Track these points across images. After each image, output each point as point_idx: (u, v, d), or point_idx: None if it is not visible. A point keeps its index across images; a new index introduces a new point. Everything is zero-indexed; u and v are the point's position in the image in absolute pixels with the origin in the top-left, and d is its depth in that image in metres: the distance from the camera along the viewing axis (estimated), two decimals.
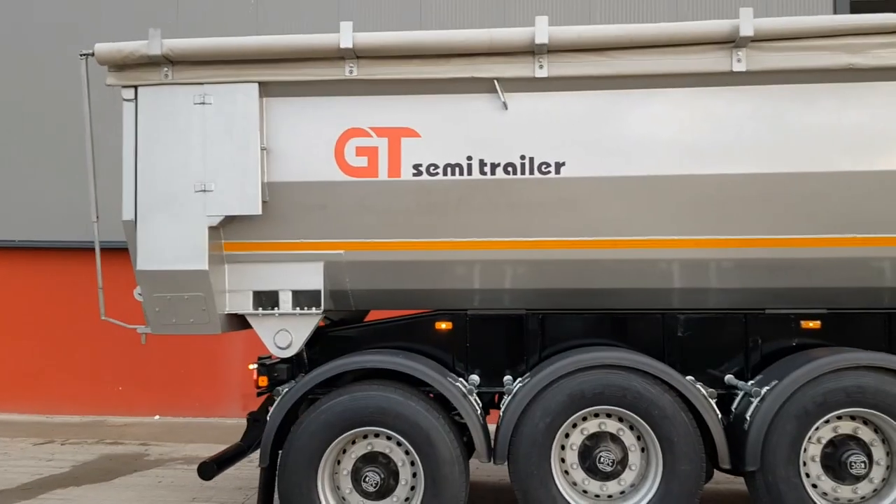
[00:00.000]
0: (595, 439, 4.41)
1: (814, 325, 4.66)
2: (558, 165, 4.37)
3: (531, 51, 4.27)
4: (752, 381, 4.46)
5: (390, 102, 4.45)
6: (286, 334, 4.66)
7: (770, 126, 4.28)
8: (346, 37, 4.26)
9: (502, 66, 4.32)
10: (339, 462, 4.48)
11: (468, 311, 4.80)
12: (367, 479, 4.38)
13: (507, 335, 4.82)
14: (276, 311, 4.63)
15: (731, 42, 4.18)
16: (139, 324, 4.81)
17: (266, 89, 4.44)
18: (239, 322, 4.76)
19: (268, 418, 4.49)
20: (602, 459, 4.31)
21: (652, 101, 4.33)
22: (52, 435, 8.36)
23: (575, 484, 4.38)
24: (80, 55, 4.54)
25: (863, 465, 4.21)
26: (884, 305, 4.54)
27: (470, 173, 4.41)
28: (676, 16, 9.02)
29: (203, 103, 4.45)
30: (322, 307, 4.61)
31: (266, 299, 4.65)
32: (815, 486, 4.26)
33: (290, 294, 4.63)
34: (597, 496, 4.39)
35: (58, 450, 7.72)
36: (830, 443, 4.30)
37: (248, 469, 6.62)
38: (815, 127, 4.26)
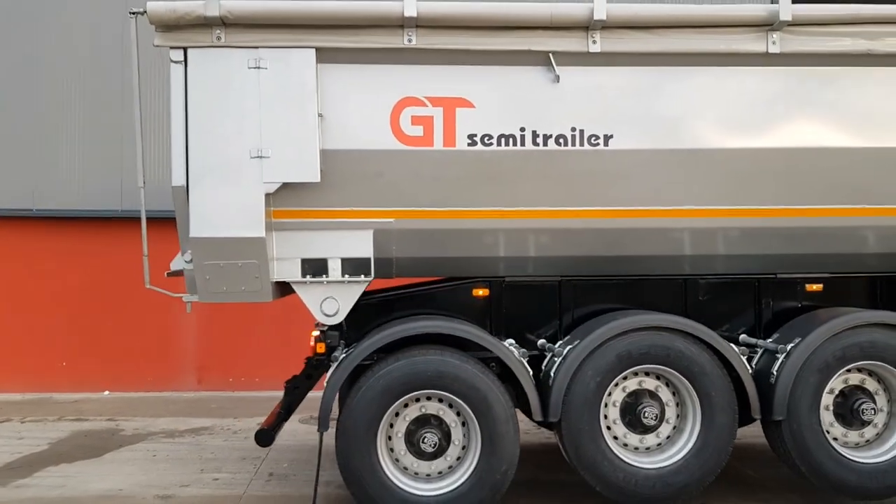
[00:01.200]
0: (634, 396, 4.71)
1: (817, 287, 5.13)
2: (607, 138, 4.59)
3: (586, 26, 4.46)
4: (770, 340, 4.86)
5: (446, 72, 4.54)
6: (333, 302, 4.69)
7: (798, 104, 4.66)
8: (409, 5, 4.31)
9: (557, 40, 4.49)
10: (391, 425, 4.57)
11: (506, 279, 4.97)
12: (424, 440, 4.50)
13: (541, 302, 5.02)
14: (324, 278, 4.64)
15: (769, 25, 4.51)
16: (179, 292, 4.71)
17: (322, 55, 4.42)
18: (279, 290, 4.74)
19: (325, 384, 4.52)
20: (646, 414, 4.61)
21: (694, 78, 4.62)
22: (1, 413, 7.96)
23: (616, 438, 4.67)
24: (131, 13, 4.36)
25: (872, 412, 4.71)
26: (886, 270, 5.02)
27: (523, 144, 4.57)
28: None
29: (258, 68, 4.39)
30: (372, 275, 4.66)
31: (313, 267, 4.65)
32: (828, 431, 4.72)
33: (339, 262, 4.65)
34: (636, 448, 4.70)
35: (22, 428, 7.36)
36: (841, 393, 4.77)
37: (248, 441, 6.64)
38: (836, 106, 4.67)
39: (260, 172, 4.39)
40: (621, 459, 4.58)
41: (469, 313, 4.98)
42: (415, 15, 4.31)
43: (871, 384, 4.81)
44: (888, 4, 4.58)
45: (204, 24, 4.32)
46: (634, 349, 4.57)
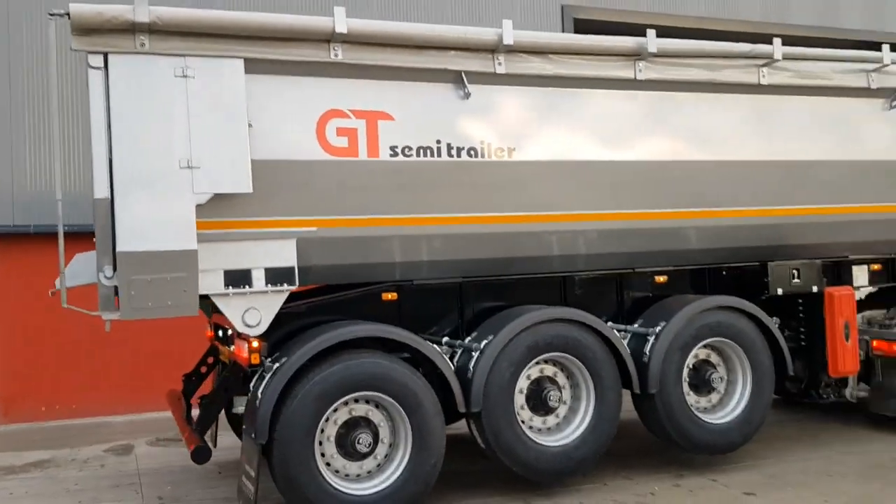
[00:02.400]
0: (537, 383, 5.23)
1: (663, 279, 6.01)
2: (510, 150, 5.07)
3: (493, 49, 4.90)
4: (637, 325, 5.63)
5: (369, 86, 4.75)
6: (256, 312, 4.67)
7: (658, 123, 5.47)
8: (340, 22, 4.47)
9: (469, 60, 4.88)
10: (322, 430, 4.68)
11: (414, 282, 5.25)
12: (358, 440, 4.66)
13: (445, 302, 5.37)
14: (247, 289, 4.62)
15: (638, 55, 5.26)
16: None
17: (251, 66, 4.43)
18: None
19: (259, 394, 4.51)
20: (550, 398, 5.16)
21: (581, 99, 5.25)
22: None
23: (523, 422, 5.16)
24: (50, 15, 4.04)
25: (719, 380, 5.65)
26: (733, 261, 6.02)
27: (439, 155, 4.91)
28: None
29: (185, 76, 4.29)
30: (296, 283, 4.73)
31: (235, 278, 4.61)
32: (686, 399, 5.58)
33: (262, 272, 4.65)
34: (539, 430, 5.23)
35: None
36: (694, 367, 5.67)
37: (106, 469, 6.27)
38: (686, 125, 5.55)
39: (190, 183, 4.29)
40: (533, 441, 5.08)
41: (379, 317, 5.18)
42: (345, 31, 4.47)
43: (714, 358, 5.76)
44: (733, 42, 5.54)
45: (127, 29, 4.15)
46: (541, 340, 5.09)
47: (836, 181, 6.13)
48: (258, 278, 4.64)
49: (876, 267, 6.64)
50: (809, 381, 6.44)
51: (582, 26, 10.78)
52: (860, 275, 6.56)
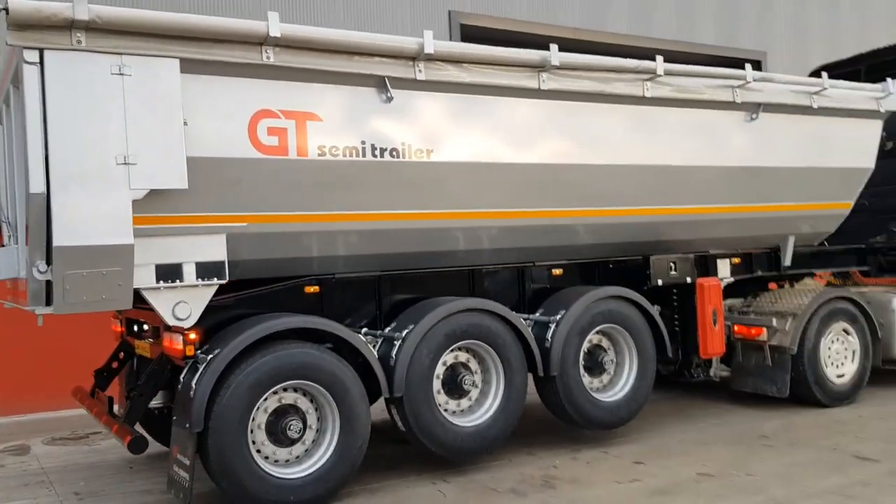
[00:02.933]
0: (452, 369, 5.62)
1: (559, 272, 6.55)
2: (429, 152, 5.42)
3: (414, 57, 5.23)
4: (539, 314, 6.13)
5: (298, 88, 4.95)
6: (185, 306, 4.79)
7: (557, 129, 5.98)
8: (274, 26, 4.67)
9: (392, 66, 5.19)
10: (253, 419, 4.86)
11: (335, 276, 5.52)
12: (290, 427, 4.88)
13: (363, 295, 5.66)
14: (178, 283, 4.74)
15: (542, 67, 5.73)
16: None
17: (186, 66, 4.55)
18: None
19: (193, 385, 4.63)
20: (465, 382, 5.57)
21: (492, 105, 5.66)
22: None
23: (440, 405, 5.53)
24: None
25: (610, 363, 6.25)
26: (619, 255, 6.63)
27: (364, 155, 5.19)
28: None
29: (121, 74, 4.36)
30: (227, 278, 4.88)
31: (167, 272, 4.72)
32: (583, 380, 6.13)
33: (193, 266, 4.78)
34: (454, 412, 5.62)
35: None
36: (588, 351, 6.22)
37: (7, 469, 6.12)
38: (582, 131, 6.08)
39: (127, 179, 4.37)
40: (451, 423, 5.47)
41: (302, 309, 5.40)
42: (279, 35, 4.67)
43: (605, 343, 6.36)
44: (610, 57, 6.13)
45: (64, 26, 4.18)
46: (458, 328, 5.49)
47: (705, 184, 6.87)
48: (189, 272, 4.76)
49: (736, 260, 7.48)
50: (682, 362, 7.17)
51: (468, 32, 11.29)
52: (723, 267, 7.37)
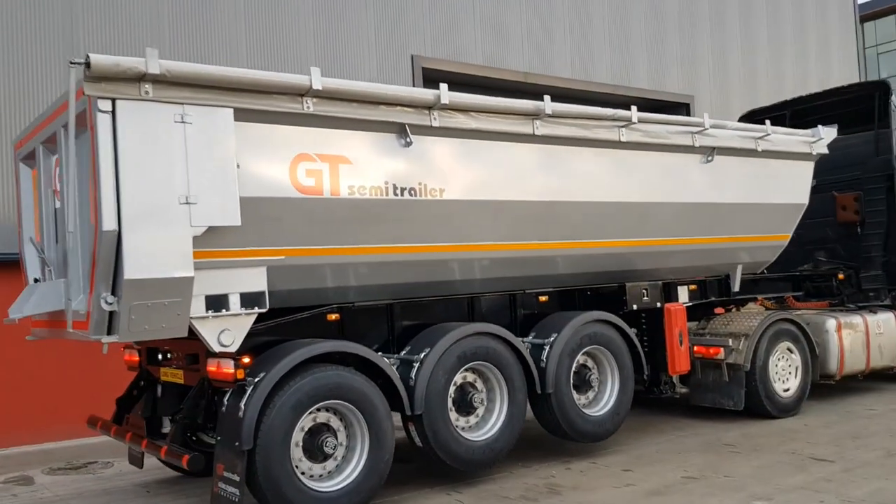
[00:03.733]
0: (461, 389, 6.15)
1: (545, 298, 7.20)
2: (441, 191, 6.00)
3: (430, 106, 5.82)
4: (532, 336, 6.73)
5: (332, 134, 5.47)
6: (229, 333, 5.20)
7: (548, 171, 6.64)
8: (316, 80, 5.19)
9: (411, 115, 5.76)
10: (293, 436, 5.27)
11: (354, 304, 6.00)
12: (326, 443, 5.31)
13: (376, 321, 6.16)
14: (223, 312, 5.14)
15: (536, 115, 6.41)
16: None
17: (238, 114, 5.01)
18: None
19: (242, 406, 5.02)
20: (474, 400, 6.11)
21: (494, 149, 6.28)
22: None
23: (452, 421, 6.05)
24: (71, 63, 4.38)
25: (597, 381, 6.90)
26: (598, 283, 7.32)
27: (387, 194, 5.73)
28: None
29: (183, 122, 4.79)
30: (267, 306, 5.31)
31: (215, 302, 5.12)
32: (574, 396, 6.74)
33: (238, 296, 5.19)
34: (464, 428, 6.14)
35: None
36: (577, 370, 6.84)
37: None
38: (568, 172, 6.77)
39: (188, 217, 4.78)
40: (464, 437, 5.99)
41: (326, 335, 5.85)
42: (320, 88, 5.19)
43: (590, 363, 7.01)
44: (602, 107, 6.87)
45: (134, 78, 4.60)
46: (468, 350, 6.04)
47: (669, 219, 7.65)
48: (234, 302, 5.17)
49: (693, 287, 8.30)
50: (651, 380, 7.89)
51: (429, 74, 11.97)
52: (682, 294, 8.17)
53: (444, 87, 5.83)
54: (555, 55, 13.67)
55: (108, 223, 4.54)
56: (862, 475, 5.91)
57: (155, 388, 6.29)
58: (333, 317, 5.93)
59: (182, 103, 4.79)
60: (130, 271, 4.58)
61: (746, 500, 5.43)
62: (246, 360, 5.12)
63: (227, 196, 4.92)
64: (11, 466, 7.66)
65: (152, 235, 4.66)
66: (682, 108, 15.40)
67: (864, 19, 33.74)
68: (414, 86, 11.66)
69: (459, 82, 11.67)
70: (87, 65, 4.41)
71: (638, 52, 14.90)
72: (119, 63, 4.49)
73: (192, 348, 5.62)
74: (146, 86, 4.66)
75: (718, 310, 8.88)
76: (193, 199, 4.79)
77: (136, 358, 6.48)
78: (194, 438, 5.88)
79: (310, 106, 5.28)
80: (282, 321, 5.70)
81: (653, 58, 15.13)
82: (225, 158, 4.92)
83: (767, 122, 8.40)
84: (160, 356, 6.14)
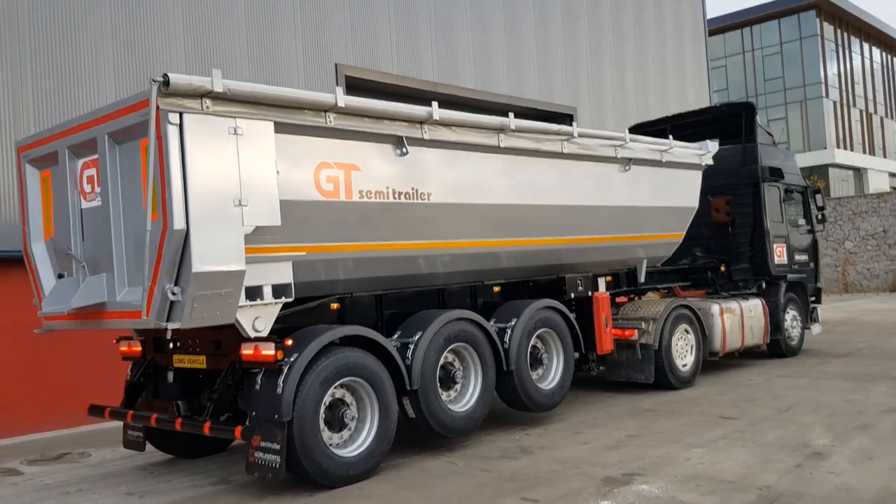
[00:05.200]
0: (444, 368, 7.07)
1: (498, 289, 8.25)
2: (428, 195, 6.90)
3: (422, 121, 6.72)
4: (493, 321, 7.74)
5: (345, 145, 6.25)
6: (262, 320, 5.88)
7: (510, 178, 7.69)
8: (340, 98, 5.97)
9: (407, 128, 6.63)
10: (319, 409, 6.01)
11: (352, 294, 6.79)
12: (345, 415, 6.10)
13: (369, 309, 6.98)
14: (258, 301, 5.82)
15: (501, 130, 7.44)
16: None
17: (277, 127, 5.71)
18: None
19: (280, 383, 5.71)
20: (455, 376, 7.06)
21: (469, 159, 7.25)
22: None
23: (439, 394, 6.96)
24: (153, 81, 4.93)
25: (547, 358, 8.02)
26: (540, 275, 8.43)
27: (387, 197, 6.57)
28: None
29: (235, 133, 5.45)
30: (293, 296, 6.03)
31: (251, 293, 5.78)
32: (530, 372, 7.82)
33: (270, 287, 5.88)
34: (447, 401, 7.06)
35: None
36: (531, 350, 7.94)
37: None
38: (522, 179, 7.84)
39: (241, 217, 5.44)
40: (448, 408, 6.92)
41: (329, 322, 6.60)
42: (343, 105, 5.98)
43: (539, 344, 8.11)
44: (554, 123, 7.98)
45: (198, 94, 5.22)
46: (452, 333, 6.97)
47: (595, 219, 8.91)
48: (267, 292, 5.85)
49: (609, 279, 9.61)
50: (580, 359, 9.11)
51: (351, 82, 12.73)
52: (602, 284, 9.46)
53: (435, 104, 6.73)
54: (460, 68, 14.78)
55: (178, 223, 5.14)
56: (765, 427, 7.35)
57: (163, 374, 6.78)
58: (335, 306, 6.70)
59: (234, 117, 5.45)
60: (197, 265, 5.20)
61: (686, 447, 6.69)
62: (289, 342, 5.80)
63: (270, 199, 5.62)
64: None
65: (213, 233, 5.29)
66: (567, 118, 16.92)
67: None
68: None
69: (378, 90, 12.56)
70: (166, 82, 4.99)
71: (530, 69, 16.29)
72: (191, 81, 5.11)
73: (215, 336, 6.21)
74: (207, 101, 5.29)
75: (621, 298, 10.25)
76: (245, 201, 5.45)
77: (139, 348, 6.93)
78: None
79: (331, 120, 6.04)
80: (295, 310, 6.40)
81: (541, 72, 16.56)
82: (268, 166, 5.62)
83: (670, 136, 9.86)
84: (171, 345, 6.65)
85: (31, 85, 9.22)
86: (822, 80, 48.19)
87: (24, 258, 6.62)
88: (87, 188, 6.02)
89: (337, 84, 12.56)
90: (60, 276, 6.25)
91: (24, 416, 8.97)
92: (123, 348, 7.08)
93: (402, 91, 13.49)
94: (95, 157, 5.88)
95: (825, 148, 47.10)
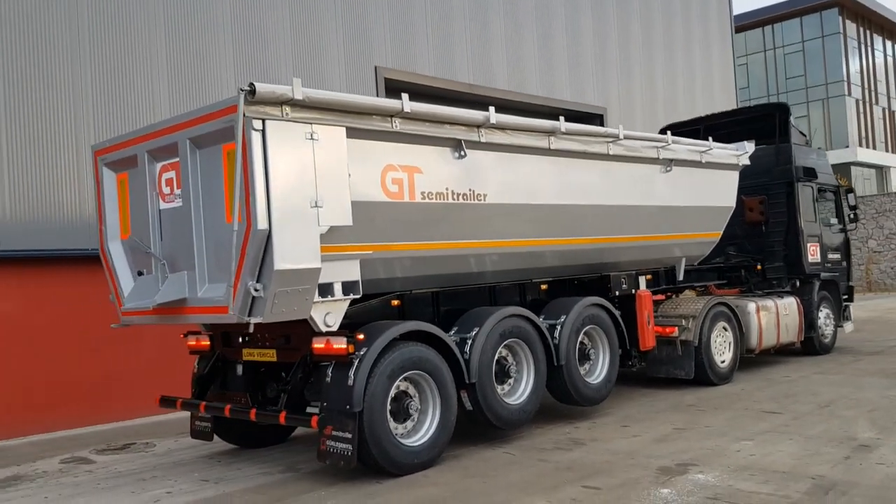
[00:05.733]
0: (499, 362, 7.33)
1: (545, 286, 8.51)
2: (484, 196, 7.18)
3: (479, 125, 6.99)
4: (543, 317, 8.00)
5: (409, 149, 6.52)
6: (333, 315, 6.18)
7: (558, 178, 7.95)
8: (406, 104, 6.25)
9: (465, 132, 6.91)
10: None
11: (412, 291, 7.08)
12: (410, 406, 6.39)
13: (425, 306, 7.26)
14: (329, 297, 6.11)
15: (552, 133, 7.70)
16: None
17: (349, 132, 6.00)
18: None
19: (352, 375, 6.00)
20: (510, 371, 7.33)
21: (521, 161, 7.52)
22: None
23: (495, 387, 7.22)
24: (240, 90, 5.24)
25: (594, 354, 8.28)
26: (587, 273, 8.69)
27: (447, 198, 6.84)
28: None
29: (312, 139, 5.75)
30: (360, 293, 6.32)
31: (323, 289, 6.07)
32: (579, 368, 8.08)
33: (340, 284, 6.18)
34: (502, 394, 7.32)
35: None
36: (578, 346, 8.19)
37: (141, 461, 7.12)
38: (571, 180, 8.10)
39: (317, 218, 5.74)
40: (503, 400, 7.20)
41: (390, 318, 6.89)
42: (409, 111, 6.26)
43: (586, 340, 8.36)
44: (598, 126, 8.22)
45: (279, 102, 5.52)
46: (506, 329, 7.24)
47: (638, 219, 9.15)
48: (338, 289, 6.14)
49: (649, 277, 9.84)
50: (623, 355, 9.36)
51: (390, 84, 13.03)
52: (643, 282, 9.70)
53: (492, 109, 7.01)
54: (494, 70, 15.04)
55: (262, 223, 5.44)
56: (809, 421, 7.57)
57: (231, 367, 7.10)
58: (395, 302, 6.99)
59: (311, 123, 5.74)
60: (279, 263, 5.50)
61: (734, 440, 6.93)
62: (361, 336, 6.09)
63: (343, 201, 5.91)
64: (50, 451, 8.13)
65: (292, 233, 5.59)
66: (597, 118, 17.16)
67: None
68: (377, 94, 12.71)
69: (415, 91, 12.80)
70: (252, 91, 5.30)
71: (561, 70, 16.53)
72: (274, 90, 5.41)
73: (284, 331, 6.52)
74: (287, 108, 5.58)
75: (658, 297, 10.47)
76: (321, 203, 5.75)
77: (207, 343, 7.25)
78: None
79: (397, 125, 6.33)
80: (359, 306, 6.69)
81: (573, 75, 16.79)
82: (341, 169, 5.91)
83: (710, 138, 10.08)
84: (240, 339, 6.96)
85: (92, 95, 9.58)
86: (845, 78, 48.08)
87: (101, 256, 6.95)
88: (166, 190, 6.33)
89: (376, 85, 12.89)
90: (140, 273, 6.57)
91: (82, 408, 9.33)
92: (191, 342, 7.40)
93: (438, 92, 13.78)
94: (174, 160, 6.19)
95: (847, 146, 46.95)
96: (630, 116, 18.06)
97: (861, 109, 49.60)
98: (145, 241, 6.47)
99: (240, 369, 7.03)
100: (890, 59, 53.51)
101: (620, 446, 6.97)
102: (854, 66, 49.11)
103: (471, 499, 5.64)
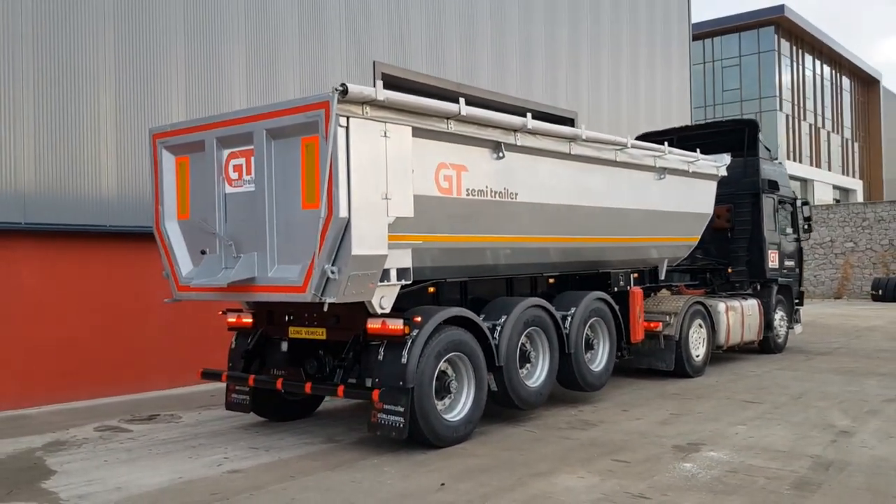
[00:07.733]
0: (520, 347, 7.98)
1: (553, 280, 9.21)
2: (515, 194, 7.80)
3: (516, 129, 7.61)
4: (553, 309, 8.69)
5: (458, 148, 7.09)
6: (387, 299, 6.72)
7: (578, 181, 8.64)
8: (463, 108, 6.83)
9: (504, 135, 7.52)
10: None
11: (446, 280, 7.66)
12: (450, 385, 6.98)
13: (455, 293, 7.86)
14: (386, 282, 6.64)
15: (572, 139, 8.38)
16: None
17: (413, 132, 6.54)
18: None
19: (405, 354, 6.55)
20: (531, 356, 7.99)
21: (544, 163, 8.17)
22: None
23: (519, 371, 7.87)
24: (334, 89, 5.71)
25: (597, 343, 9.01)
26: (590, 269, 9.41)
27: (486, 196, 7.44)
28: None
29: (385, 136, 6.27)
30: (412, 279, 6.87)
31: (383, 275, 6.59)
32: (585, 355, 8.80)
33: (395, 271, 6.71)
34: (524, 376, 7.98)
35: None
36: (584, 336, 8.91)
37: (195, 428, 7.57)
38: (583, 183, 8.80)
39: (386, 209, 6.27)
40: (525, 383, 7.86)
41: (427, 304, 7.45)
42: (465, 114, 6.83)
43: (589, 331, 9.08)
44: (610, 135, 8.94)
45: (360, 102, 6.02)
46: (529, 318, 7.90)
47: (634, 221, 9.93)
48: (393, 275, 6.68)
49: (636, 275, 10.65)
50: (616, 346, 10.14)
51: (387, 79, 13.46)
52: (632, 280, 10.50)
53: (528, 115, 7.63)
54: (478, 71, 15.66)
55: (343, 211, 5.94)
56: (789, 410, 8.47)
57: (274, 344, 7.55)
58: (432, 290, 7.56)
59: (385, 122, 6.26)
60: (356, 248, 6.01)
61: (729, 425, 7.75)
62: (418, 318, 6.64)
63: (407, 194, 6.45)
64: (87, 419, 8.38)
65: (367, 222, 6.11)
66: (568, 120, 17.96)
67: None
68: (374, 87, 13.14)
69: (409, 87, 13.35)
70: (344, 91, 5.79)
71: (538, 74, 17.26)
72: (362, 90, 5.91)
73: (334, 311, 6.99)
74: (367, 108, 6.09)
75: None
76: (389, 195, 6.28)
77: (250, 320, 7.67)
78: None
79: (451, 126, 6.89)
80: (402, 292, 7.23)
81: (548, 79, 17.56)
82: (406, 165, 6.45)
83: (698, 150, 10.95)
84: (286, 318, 7.41)
85: (114, 84, 9.79)
86: (777, 94, 50.49)
87: (157, 235, 7.29)
88: (234, 175, 6.73)
89: (374, 80, 13.34)
90: (203, 253, 6.95)
91: (97, 381, 9.58)
92: (231, 320, 7.80)
93: (430, 89, 14.30)
94: (245, 148, 6.60)
95: (776, 159, 49.29)
96: (598, 122, 18.92)
97: (790, 124, 52.17)
98: (210, 221, 6.86)
99: (284, 346, 7.47)
100: (818, 78, 56.36)
101: (630, 427, 7.70)
102: (786, 81, 51.59)
103: (516, 468, 6.26)
